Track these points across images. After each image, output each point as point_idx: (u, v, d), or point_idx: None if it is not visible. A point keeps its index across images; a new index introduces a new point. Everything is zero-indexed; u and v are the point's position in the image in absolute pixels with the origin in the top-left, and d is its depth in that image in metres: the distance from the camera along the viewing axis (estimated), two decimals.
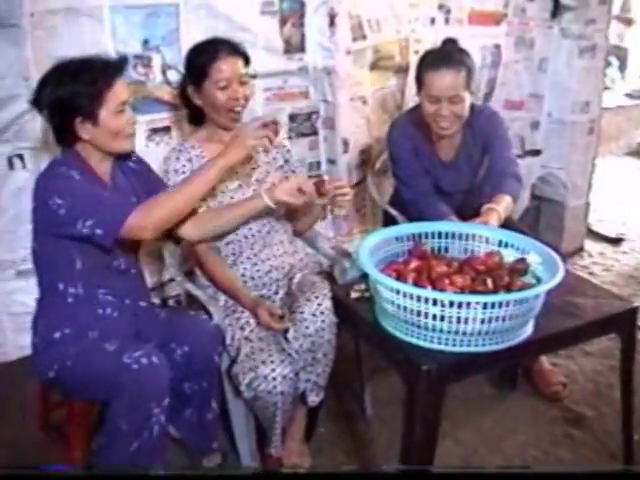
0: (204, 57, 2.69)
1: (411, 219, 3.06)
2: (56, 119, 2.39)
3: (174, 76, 3.12)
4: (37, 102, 2.39)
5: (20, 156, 3.08)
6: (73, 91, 2.32)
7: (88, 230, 2.30)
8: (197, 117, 2.87)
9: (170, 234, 2.70)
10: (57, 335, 2.43)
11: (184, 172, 2.73)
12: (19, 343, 3.23)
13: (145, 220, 2.37)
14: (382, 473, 2.67)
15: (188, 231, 2.68)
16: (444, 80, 2.93)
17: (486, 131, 3.16)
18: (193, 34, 3.17)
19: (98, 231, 2.30)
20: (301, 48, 3.64)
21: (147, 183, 2.64)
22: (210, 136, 2.82)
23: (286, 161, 2.99)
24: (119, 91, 2.39)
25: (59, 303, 2.46)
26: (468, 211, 3.04)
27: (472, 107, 3.09)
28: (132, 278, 2.61)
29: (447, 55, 3.00)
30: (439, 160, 3.22)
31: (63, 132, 2.41)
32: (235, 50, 2.73)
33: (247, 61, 2.76)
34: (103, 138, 2.40)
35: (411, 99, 3.97)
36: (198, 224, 2.68)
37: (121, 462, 2.28)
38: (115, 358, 2.27)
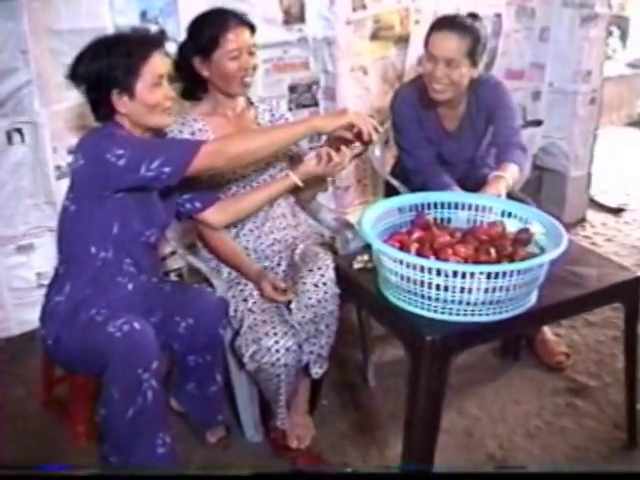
0: (214, 27, 2.66)
1: (413, 190, 3.04)
2: (93, 93, 2.38)
3: (173, 48, 3.10)
4: (73, 76, 2.38)
5: (19, 130, 3.07)
6: (109, 64, 2.31)
7: (154, 173, 2.30)
8: (192, 91, 2.83)
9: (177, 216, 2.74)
10: (79, 297, 2.43)
11: None
12: (21, 318, 3.24)
13: (222, 147, 2.39)
14: (384, 474, 2.68)
15: (212, 217, 2.69)
16: (444, 41, 2.95)
17: (491, 100, 3.15)
18: (192, 5, 3.14)
19: (166, 169, 2.30)
20: (300, 18, 3.62)
21: None
22: (212, 109, 2.80)
23: None
24: (155, 64, 2.39)
25: (87, 266, 2.45)
26: (471, 182, 3.04)
27: (477, 77, 3.08)
28: (155, 254, 2.65)
29: (455, 19, 3.01)
30: (443, 129, 3.20)
31: (100, 106, 2.40)
32: (243, 20, 2.71)
33: (253, 31, 2.74)
34: (139, 111, 2.39)
35: (411, 69, 3.96)
36: (223, 209, 2.70)
37: (120, 431, 2.29)
38: (101, 329, 2.28)
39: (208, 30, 2.66)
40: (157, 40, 2.44)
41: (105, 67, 2.31)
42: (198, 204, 2.67)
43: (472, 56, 2.97)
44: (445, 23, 3.00)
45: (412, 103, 3.19)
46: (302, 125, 2.52)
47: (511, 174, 2.85)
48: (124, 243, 2.45)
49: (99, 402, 2.33)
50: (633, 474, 2.52)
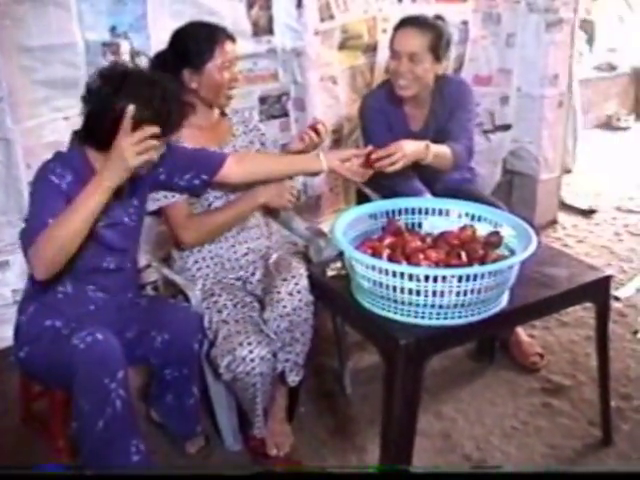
0: (206, 39, 2.69)
1: (384, 196, 3.08)
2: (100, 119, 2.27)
3: (143, 62, 3.11)
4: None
5: None
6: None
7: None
8: None
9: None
10: (47, 323, 2.42)
11: None
12: None
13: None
14: (377, 474, 2.70)
15: (231, 171, 2.67)
16: (406, 36, 3.05)
17: (454, 98, 3.22)
18: (161, 20, 3.18)
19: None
20: (269, 30, 3.64)
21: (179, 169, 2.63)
22: (187, 121, 2.79)
23: (262, 144, 3.00)
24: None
25: (49, 297, 2.44)
26: (440, 184, 3.08)
27: (443, 76, 3.18)
28: (125, 274, 2.58)
29: (417, 17, 3.12)
30: (409, 130, 3.23)
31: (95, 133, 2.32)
32: (227, 32, 2.75)
33: (235, 43, 2.78)
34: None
35: (380, 77, 3.98)
36: (243, 163, 2.70)
37: (94, 442, 2.29)
38: (66, 342, 2.28)
39: (200, 42, 2.69)
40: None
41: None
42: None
43: (435, 51, 3.04)
44: (407, 21, 3.10)
45: (379, 107, 3.24)
46: (94, 197, 2.24)
47: (436, 148, 2.94)
48: (80, 277, 2.44)
49: (72, 415, 2.34)
50: (607, 474, 2.56)
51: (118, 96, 2.21)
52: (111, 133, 2.19)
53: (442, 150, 2.98)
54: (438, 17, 3.17)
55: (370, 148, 2.75)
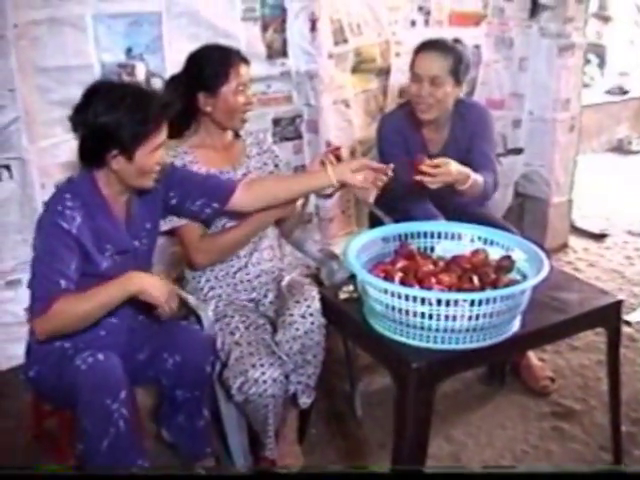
0: (220, 63, 2.71)
1: (397, 219, 3.08)
2: (93, 142, 2.31)
3: (158, 84, 3.14)
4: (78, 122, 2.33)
5: (7, 167, 3.09)
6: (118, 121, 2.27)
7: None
8: (179, 128, 2.80)
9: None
10: (57, 344, 2.42)
11: None
12: (9, 353, 3.24)
13: None
14: (380, 473, 2.69)
15: (241, 199, 2.66)
16: (427, 60, 3.05)
17: (474, 125, 3.23)
18: (176, 42, 3.21)
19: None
20: (283, 53, 3.67)
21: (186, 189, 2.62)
22: (201, 142, 2.83)
23: (275, 166, 3.01)
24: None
25: None
26: (454, 207, 3.08)
27: (462, 100, 3.19)
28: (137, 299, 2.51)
29: (437, 41, 3.12)
30: (428, 153, 3.22)
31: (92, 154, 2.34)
32: (242, 56, 2.77)
33: (249, 66, 2.80)
34: (130, 173, 2.34)
35: (393, 101, 4.01)
36: (252, 190, 2.67)
37: (99, 463, 2.28)
38: (70, 362, 2.28)
39: (214, 65, 2.71)
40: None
41: (113, 123, 2.25)
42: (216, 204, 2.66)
43: (455, 74, 3.05)
44: (428, 44, 3.11)
45: (398, 129, 3.24)
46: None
47: (474, 177, 2.92)
48: None
49: (77, 437, 2.34)
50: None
51: (90, 106, 2.26)
52: (97, 146, 2.26)
53: (478, 180, 2.96)
54: (456, 40, 3.17)
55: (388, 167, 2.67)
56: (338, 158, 2.78)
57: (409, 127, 3.24)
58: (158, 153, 2.37)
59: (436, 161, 2.81)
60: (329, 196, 2.85)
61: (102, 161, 2.31)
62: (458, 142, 3.24)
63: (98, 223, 2.37)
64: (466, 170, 2.88)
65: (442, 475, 2.51)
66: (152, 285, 2.36)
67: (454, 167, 2.83)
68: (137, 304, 2.45)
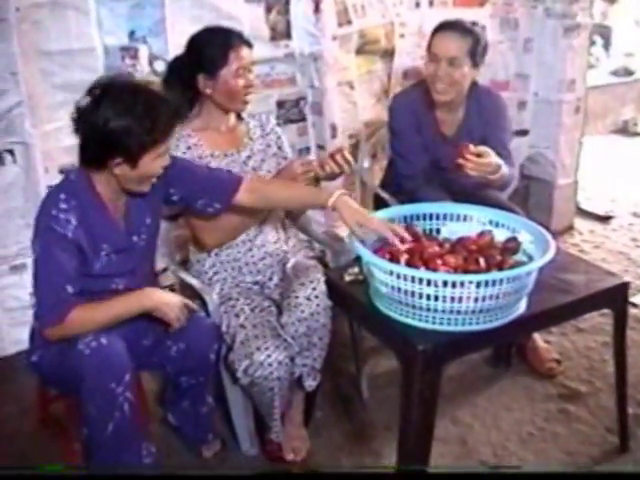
0: (220, 45, 2.68)
1: (402, 201, 3.07)
2: (97, 146, 2.25)
3: (161, 66, 3.13)
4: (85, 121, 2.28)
5: (10, 151, 3.10)
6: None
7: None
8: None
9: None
10: None
11: None
12: (14, 337, 3.26)
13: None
14: (385, 473, 2.70)
15: (242, 200, 2.62)
16: (446, 40, 3.03)
17: (490, 111, 3.22)
18: (179, 24, 3.20)
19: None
20: (287, 35, 3.66)
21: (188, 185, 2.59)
22: (205, 124, 2.81)
23: (279, 148, 2.99)
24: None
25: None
26: (463, 189, 3.06)
27: (477, 84, 3.18)
28: (139, 286, 2.50)
29: (456, 22, 3.10)
30: (440, 134, 3.22)
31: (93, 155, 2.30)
32: (244, 38, 2.75)
33: (251, 49, 2.78)
34: (132, 178, 2.31)
35: (397, 82, 3.99)
36: (256, 194, 2.62)
37: (104, 447, 2.29)
38: (73, 347, 2.26)
39: (214, 48, 2.69)
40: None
41: (122, 131, 2.19)
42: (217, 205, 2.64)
43: (473, 56, 3.04)
44: (447, 25, 3.08)
45: (411, 108, 3.23)
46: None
47: (505, 169, 2.91)
48: (90, 296, 2.36)
49: (81, 421, 2.34)
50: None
51: (99, 110, 2.18)
52: (101, 152, 2.21)
53: (506, 172, 2.94)
54: (474, 23, 3.14)
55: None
56: (337, 164, 2.72)
57: (423, 107, 3.21)
58: (163, 158, 2.34)
59: (479, 149, 2.81)
60: (333, 178, 2.83)
61: (104, 165, 2.26)
62: (472, 127, 3.22)
63: (94, 223, 2.33)
64: (500, 161, 2.87)
65: (446, 475, 2.52)
66: (166, 304, 2.39)
67: (494, 158, 2.83)
68: None
